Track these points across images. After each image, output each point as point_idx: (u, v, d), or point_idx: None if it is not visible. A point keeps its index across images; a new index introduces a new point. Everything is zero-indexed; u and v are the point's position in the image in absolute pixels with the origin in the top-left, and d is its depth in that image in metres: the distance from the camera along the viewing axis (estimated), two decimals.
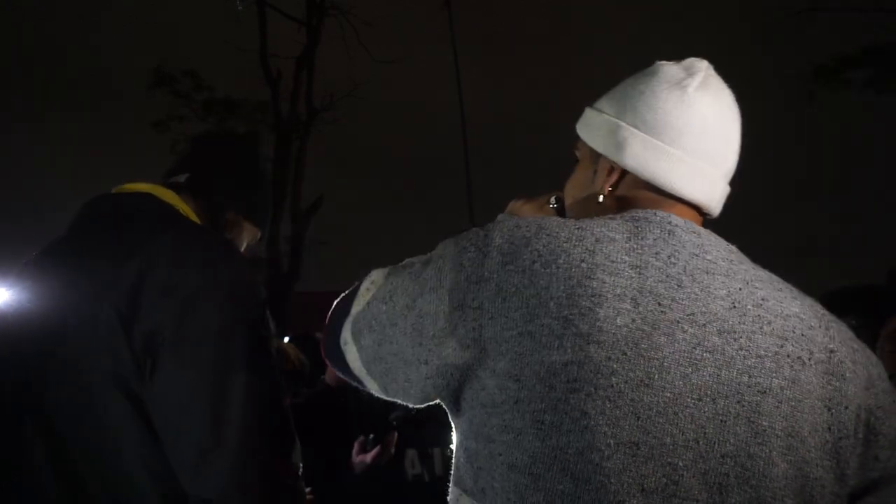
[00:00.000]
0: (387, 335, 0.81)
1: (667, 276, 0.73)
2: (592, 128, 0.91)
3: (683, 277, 0.74)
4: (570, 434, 0.68)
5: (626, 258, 0.74)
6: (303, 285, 13.25)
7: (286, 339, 5.64)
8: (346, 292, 0.92)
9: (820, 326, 0.76)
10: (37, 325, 1.03)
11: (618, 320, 0.70)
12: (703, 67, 0.86)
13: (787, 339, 0.73)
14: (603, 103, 0.92)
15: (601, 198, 0.89)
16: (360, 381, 0.89)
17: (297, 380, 3.33)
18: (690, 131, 0.82)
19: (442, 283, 0.77)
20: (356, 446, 2.44)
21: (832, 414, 0.73)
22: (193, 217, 1.21)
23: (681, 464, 0.68)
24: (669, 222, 0.79)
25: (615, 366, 0.68)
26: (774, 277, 0.81)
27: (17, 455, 0.99)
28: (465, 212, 10.07)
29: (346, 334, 0.87)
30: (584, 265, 0.72)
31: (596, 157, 0.91)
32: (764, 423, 0.70)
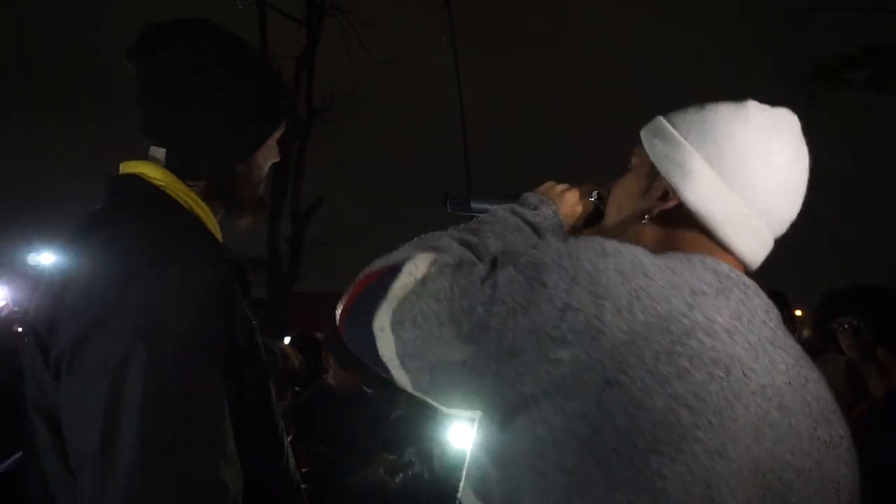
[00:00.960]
0: (434, 335, 0.74)
1: (748, 345, 0.71)
2: (661, 142, 0.85)
3: (758, 349, 0.72)
4: (642, 494, 0.65)
5: (720, 319, 0.71)
6: (303, 285, 13.25)
7: (287, 341, 5.65)
8: (379, 268, 0.82)
9: (836, 412, 0.77)
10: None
11: (710, 387, 0.67)
12: (794, 123, 0.84)
13: (819, 423, 0.74)
14: (679, 121, 0.85)
15: (646, 218, 0.86)
16: (385, 370, 0.81)
17: (292, 380, 3.33)
18: (763, 187, 0.80)
19: (516, 299, 0.70)
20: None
21: (839, 498, 0.74)
22: (182, 195, 1.03)
23: None
24: (744, 283, 0.77)
25: (700, 434, 0.66)
26: (805, 354, 0.80)
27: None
28: None
29: (384, 321, 0.78)
30: (686, 321, 0.69)
31: (654, 173, 0.86)
32: (792, 500, 0.70)
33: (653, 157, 0.86)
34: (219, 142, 1.05)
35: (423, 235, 0.90)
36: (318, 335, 5.22)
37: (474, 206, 1.13)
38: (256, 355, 1.01)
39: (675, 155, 0.83)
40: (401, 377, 0.80)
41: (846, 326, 2.09)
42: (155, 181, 1.02)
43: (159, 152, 1.04)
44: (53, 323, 0.87)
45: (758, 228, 0.82)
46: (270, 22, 12.87)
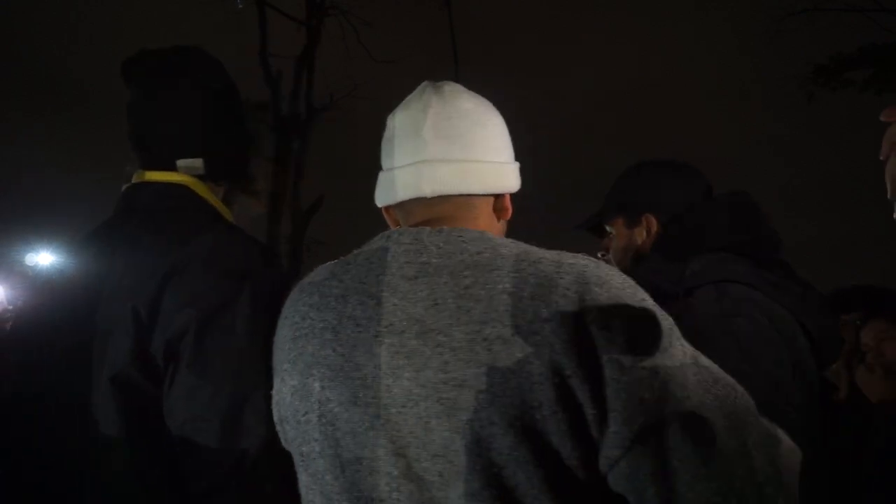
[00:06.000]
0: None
1: (368, 297, 0.76)
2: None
3: (384, 293, 0.75)
4: (317, 461, 0.76)
5: (336, 291, 0.80)
6: None
7: None
8: None
9: (525, 296, 0.69)
10: (68, 311, 1.04)
11: (323, 351, 0.77)
12: None
13: (486, 323, 0.69)
14: None
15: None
16: None
17: None
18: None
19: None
20: None
21: (542, 386, 0.66)
22: (225, 212, 1.19)
23: (396, 472, 0.71)
24: (388, 237, 0.81)
25: (329, 394, 0.75)
26: (503, 253, 0.73)
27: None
28: None
29: None
30: (303, 307, 0.82)
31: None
32: (462, 417, 0.68)
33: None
34: (241, 148, 1.26)
35: None
36: None
37: None
38: None
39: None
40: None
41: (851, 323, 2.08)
42: (200, 193, 1.16)
43: (194, 163, 1.16)
44: (157, 307, 0.97)
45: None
46: (270, 22, 12.88)
